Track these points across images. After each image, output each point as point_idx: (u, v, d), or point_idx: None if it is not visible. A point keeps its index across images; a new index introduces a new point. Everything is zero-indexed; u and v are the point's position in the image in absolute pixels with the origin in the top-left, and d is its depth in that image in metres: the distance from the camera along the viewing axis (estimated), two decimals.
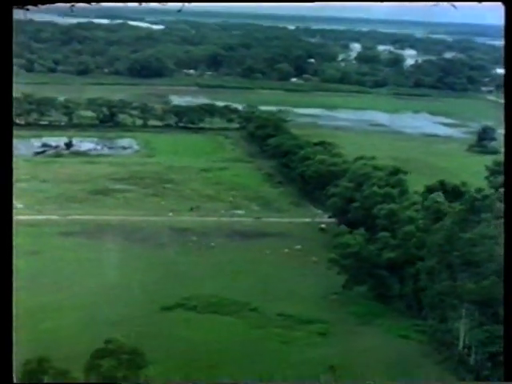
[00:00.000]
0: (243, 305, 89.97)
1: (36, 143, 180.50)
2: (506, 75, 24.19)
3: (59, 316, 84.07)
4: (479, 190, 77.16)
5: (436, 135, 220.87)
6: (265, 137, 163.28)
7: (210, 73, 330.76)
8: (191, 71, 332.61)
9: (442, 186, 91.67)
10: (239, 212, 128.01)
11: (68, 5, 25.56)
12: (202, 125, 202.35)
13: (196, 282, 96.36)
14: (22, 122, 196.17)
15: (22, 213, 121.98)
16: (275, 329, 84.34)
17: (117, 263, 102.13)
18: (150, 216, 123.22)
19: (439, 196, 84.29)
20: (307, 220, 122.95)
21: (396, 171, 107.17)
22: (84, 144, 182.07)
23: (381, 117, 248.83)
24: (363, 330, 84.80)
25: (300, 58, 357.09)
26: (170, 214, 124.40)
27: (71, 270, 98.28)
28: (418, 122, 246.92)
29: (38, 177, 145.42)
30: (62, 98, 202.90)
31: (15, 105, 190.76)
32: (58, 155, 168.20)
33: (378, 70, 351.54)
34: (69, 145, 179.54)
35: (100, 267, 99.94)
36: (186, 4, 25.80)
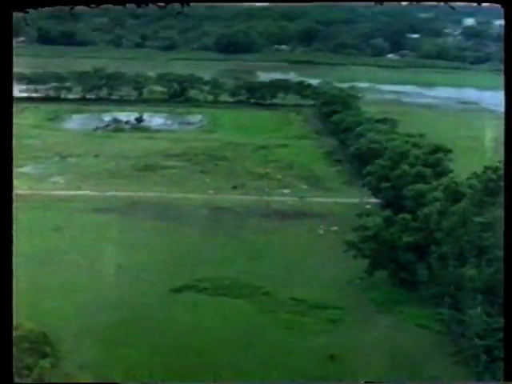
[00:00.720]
0: (257, 288, 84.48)
1: (106, 118, 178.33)
2: (506, 75, 23.82)
3: (57, 297, 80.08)
4: (496, 169, 68.26)
5: None
6: (330, 113, 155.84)
7: (301, 48, 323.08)
8: (283, 47, 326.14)
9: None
10: (285, 191, 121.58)
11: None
12: (275, 101, 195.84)
13: (215, 263, 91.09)
14: (93, 97, 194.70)
15: (59, 188, 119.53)
16: (284, 314, 78.74)
17: (138, 242, 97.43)
18: (190, 193, 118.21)
19: (457, 176, 75.69)
20: (355, 200, 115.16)
21: (436, 149, 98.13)
22: (154, 119, 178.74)
23: (473, 94, 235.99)
24: (379, 318, 78.03)
25: (399, 33, 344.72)
26: (211, 191, 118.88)
27: (88, 248, 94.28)
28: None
29: (91, 152, 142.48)
30: (132, 73, 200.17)
31: (86, 79, 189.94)
32: (119, 130, 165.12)
33: (483, 46, 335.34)
34: (139, 120, 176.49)
35: (119, 246, 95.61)
36: None
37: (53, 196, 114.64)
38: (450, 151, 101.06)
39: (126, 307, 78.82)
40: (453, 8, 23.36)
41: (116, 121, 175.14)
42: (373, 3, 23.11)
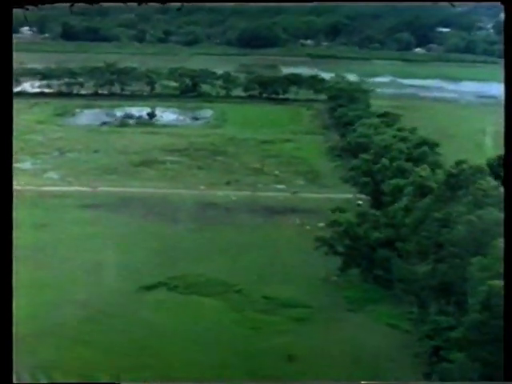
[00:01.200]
0: (231, 286, 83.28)
1: (118, 113, 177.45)
2: (506, 75, 24.11)
3: (26, 294, 78.77)
4: (458, 163, 65.55)
5: None
6: (335, 108, 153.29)
7: (326, 43, 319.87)
8: (308, 41, 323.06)
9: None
10: (280, 187, 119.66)
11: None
12: (287, 96, 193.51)
13: (194, 260, 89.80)
14: (105, 92, 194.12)
15: (51, 184, 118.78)
16: (252, 313, 77.45)
17: (120, 239, 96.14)
18: (183, 189, 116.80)
19: (424, 169, 72.92)
20: (349, 196, 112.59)
21: (421, 143, 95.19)
22: (165, 114, 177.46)
23: (495, 88, 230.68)
24: (349, 317, 76.48)
25: (428, 28, 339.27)
26: (202, 187, 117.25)
27: (68, 246, 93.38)
28: None
29: (91, 147, 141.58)
30: (143, 68, 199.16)
31: (98, 74, 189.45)
32: (125, 125, 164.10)
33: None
34: (152, 115, 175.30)
35: (100, 243, 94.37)
36: None
37: (43, 192, 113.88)
38: (436, 145, 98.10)
39: (93, 305, 77.87)
40: (453, 6, 23.81)
41: (128, 116, 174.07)
42: (373, 3, 23.77)
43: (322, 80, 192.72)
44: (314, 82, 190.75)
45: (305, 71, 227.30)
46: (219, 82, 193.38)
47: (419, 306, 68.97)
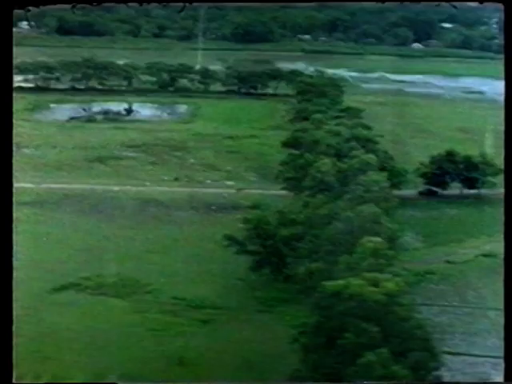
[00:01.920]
0: (143, 286, 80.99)
1: (95, 108, 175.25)
2: (506, 75, 23.79)
3: None
4: (352, 157, 62.58)
5: None
6: (301, 102, 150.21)
7: (324, 38, 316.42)
8: (306, 37, 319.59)
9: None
10: (229, 183, 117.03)
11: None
12: (267, 90, 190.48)
13: (116, 259, 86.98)
14: (82, 87, 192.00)
15: None
16: (156, 314, 75.24)
17: (49, 238, 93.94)
18: (131, 185, 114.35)
19: (325, 164, 69.94)
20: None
21: (350, 138, 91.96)
22: (143, 109, 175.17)
23: (484, 84, 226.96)
24: (255, 319, 74.11)
25: (429, 23, 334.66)
26: (148, 183, 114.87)
27: None
28: None
29: (51, 142, 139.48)
30: (121, 63, 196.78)
31: (75, 69, 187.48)
32: (92, 120, 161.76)
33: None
34: (129, 110, 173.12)
35: (27, 242, 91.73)
36: None
37: None
38: (369, 140, 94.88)
39: None
40: (455, 7, 24.42)
41: (105, 111, 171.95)
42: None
43: (301, 74, 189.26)
44: (294, 77, 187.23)
45: (299, 66, 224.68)
46: (197, 77, 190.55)
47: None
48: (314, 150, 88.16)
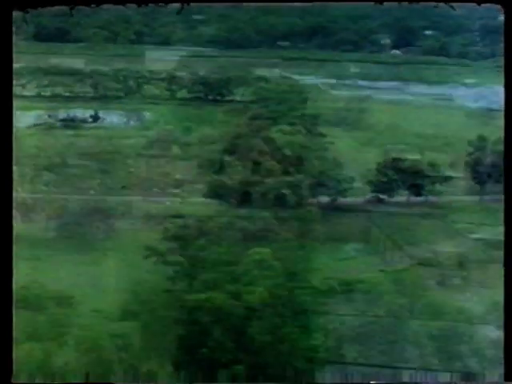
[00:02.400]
0: (66, 298, 79.48)
1: (61, 115, 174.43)
2: (506, 75, 24.13)
3: None
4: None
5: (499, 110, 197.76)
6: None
7: (302, 45, 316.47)
8: (285, 43, 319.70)
9: None
10: (175, 191, 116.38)
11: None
12: (234, 97, 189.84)
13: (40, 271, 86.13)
14: (48, 94, 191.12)
15: None
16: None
17: None
18: (74, 194, 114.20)
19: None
20: None
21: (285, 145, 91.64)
22: (108, 116, 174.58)
23: (456, 91, 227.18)
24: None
25: (410, 30, 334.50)
26: (92, 192, 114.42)
27: None
28: (497, 96, 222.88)
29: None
30: (87, 69, 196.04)
31: (41, 75, 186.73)
32: (53, 127, 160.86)
33: (493, 41, 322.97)
34: (95, 117, 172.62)
35: None
36: None
37: None
38: (307, 148, 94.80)
39: None
40: (453, 8, 24.23)
41: (70, 118, 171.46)
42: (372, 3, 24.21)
43: (267, 81, 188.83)
44: (260, 84, 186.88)
45: (275, 73, 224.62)
46: (164, 84, 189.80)
47: None
48: (246, 157, 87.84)
